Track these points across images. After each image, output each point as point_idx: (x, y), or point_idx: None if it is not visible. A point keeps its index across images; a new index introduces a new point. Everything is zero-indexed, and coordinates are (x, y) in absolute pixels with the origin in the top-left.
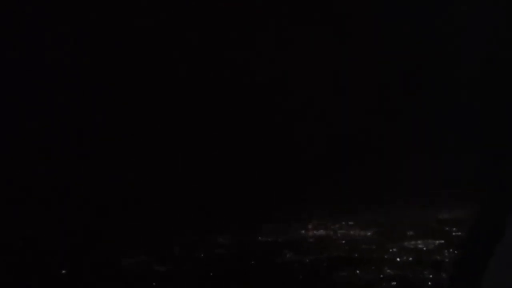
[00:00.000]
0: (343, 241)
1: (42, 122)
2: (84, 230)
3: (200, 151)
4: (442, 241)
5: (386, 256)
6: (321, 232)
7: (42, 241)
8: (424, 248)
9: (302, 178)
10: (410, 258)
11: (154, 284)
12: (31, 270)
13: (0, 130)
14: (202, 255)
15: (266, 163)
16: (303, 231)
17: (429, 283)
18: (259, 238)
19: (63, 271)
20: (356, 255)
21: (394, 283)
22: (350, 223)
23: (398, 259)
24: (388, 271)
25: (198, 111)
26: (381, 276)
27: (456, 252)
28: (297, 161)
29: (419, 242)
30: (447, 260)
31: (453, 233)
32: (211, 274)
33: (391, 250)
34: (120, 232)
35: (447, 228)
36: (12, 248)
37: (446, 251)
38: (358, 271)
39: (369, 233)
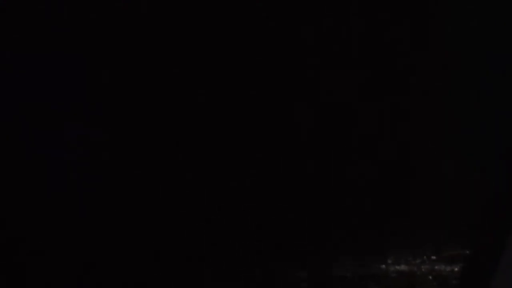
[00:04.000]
0: (430, 277)
1: None
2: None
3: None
4: None
5: None
6: (403, 267)
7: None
8: None
9: (380, 211)
10: None
11: None
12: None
13: None
14: None
15: (342, 196)
16: (383, 266)
17: None
18: (337, 272)
19: None
20: None
21: None
22: (433, 257)
23: None
24: None
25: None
26: None
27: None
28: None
29: None
30: None
31: None
32: None
33: None
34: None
35: None
36: None
37: None
38: None
39: (456, 268)
